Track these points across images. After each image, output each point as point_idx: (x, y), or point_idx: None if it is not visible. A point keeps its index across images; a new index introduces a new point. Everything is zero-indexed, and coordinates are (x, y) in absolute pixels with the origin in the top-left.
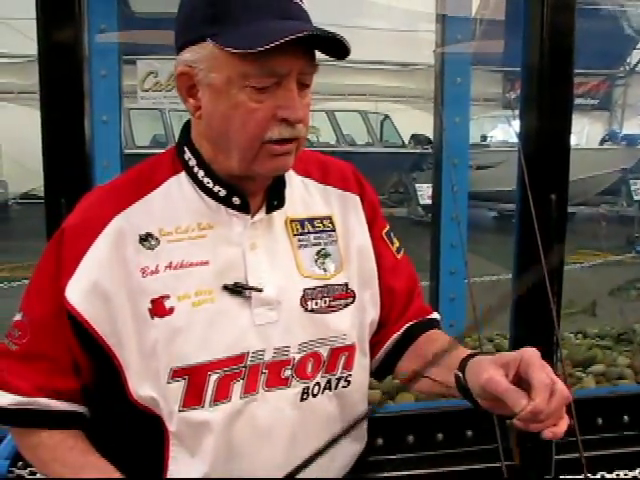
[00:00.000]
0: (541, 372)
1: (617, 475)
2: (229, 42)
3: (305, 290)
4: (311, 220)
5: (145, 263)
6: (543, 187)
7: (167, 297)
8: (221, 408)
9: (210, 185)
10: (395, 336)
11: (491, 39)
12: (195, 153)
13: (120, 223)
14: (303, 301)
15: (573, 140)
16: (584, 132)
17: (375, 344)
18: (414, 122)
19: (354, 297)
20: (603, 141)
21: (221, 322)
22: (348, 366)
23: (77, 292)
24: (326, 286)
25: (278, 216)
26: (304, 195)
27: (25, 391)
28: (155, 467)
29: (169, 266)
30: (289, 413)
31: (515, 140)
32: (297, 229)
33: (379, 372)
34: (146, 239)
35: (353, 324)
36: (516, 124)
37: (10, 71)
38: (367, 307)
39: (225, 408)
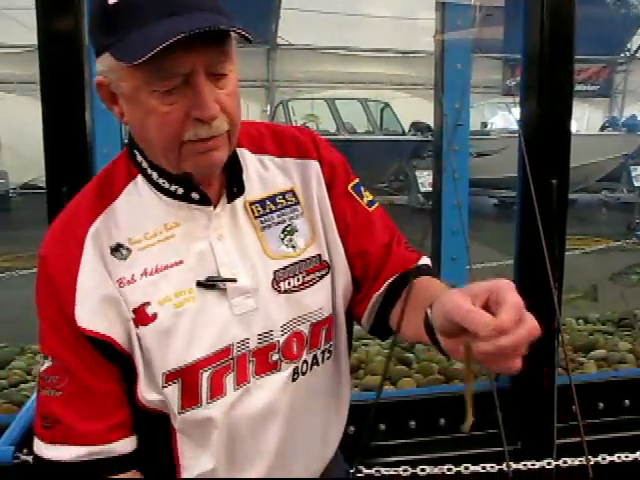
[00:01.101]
0: (515, 295)
1: (618, 457)
2: (121, 53)
3: (275, 272)
4: (272, 198)
5: (121, 274)
6: (544, 172)
7: (148, 304)
8: (219, 403)
9: (167, 185)
10: (376, 294)
11: (490, 25)
12: (145, 157)
13: (93, 238)
14: (275, 284)
15: (573, 126)
16: (585, 118)
17: (359, 303)
18: (414, 110)
19: (329, 267)
20: (603, 127)
21: (203, 319)
22: (329, 338)
23: (86, 315)
24: (297, 263)
25: (238, 202)
26: (262, 173)
27: (94, 439)
28: (167, 462)
29: (144, 273)
30: (283, 395)
31: (515, 127)
32: (258, 211)
33: (376, 331)
34: (117, 249)
35: (329, 295)
36: (516, 111)
37: (9, 61)
38: (338, 274)
39: (223, 403)
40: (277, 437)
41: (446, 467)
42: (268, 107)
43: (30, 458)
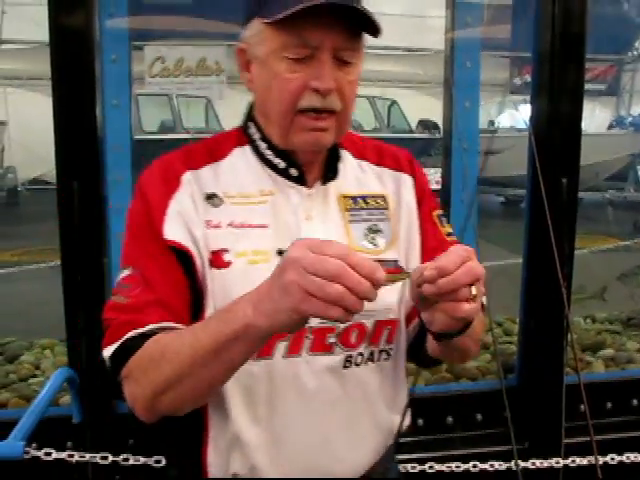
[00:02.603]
0: (463, 248)
1: (627, 458)
2: (266, 15)
3: None
4: (364, 197)
5: (209, 217)
6: (554, 171)
7: (226, 251)
8: (263, 363)
9: (271, 157)
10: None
11: (499, 24)
12: (259, 128)
13: (190, 178)
14: None
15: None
16: (592, 117)
17: (409, 319)
18: (421, 107)
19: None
20: (610, 126)
21: None
22: (390, 339)
23: (173, 229)
24: (375, 260)
25: (333, 191)
26: (359, 174)
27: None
28: (196, 428)
29: (230, 224)
30: (331, 378)
31: (522, 126)
32: (349, 205)
33: (413, 353)
34: (211, 197)
35: (398, 300)
36: (524, 110)
37: (19, 57)
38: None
39: (267, 364)
40: (316, 419)
41: (454, 465)
42: None
43: (40, 453)
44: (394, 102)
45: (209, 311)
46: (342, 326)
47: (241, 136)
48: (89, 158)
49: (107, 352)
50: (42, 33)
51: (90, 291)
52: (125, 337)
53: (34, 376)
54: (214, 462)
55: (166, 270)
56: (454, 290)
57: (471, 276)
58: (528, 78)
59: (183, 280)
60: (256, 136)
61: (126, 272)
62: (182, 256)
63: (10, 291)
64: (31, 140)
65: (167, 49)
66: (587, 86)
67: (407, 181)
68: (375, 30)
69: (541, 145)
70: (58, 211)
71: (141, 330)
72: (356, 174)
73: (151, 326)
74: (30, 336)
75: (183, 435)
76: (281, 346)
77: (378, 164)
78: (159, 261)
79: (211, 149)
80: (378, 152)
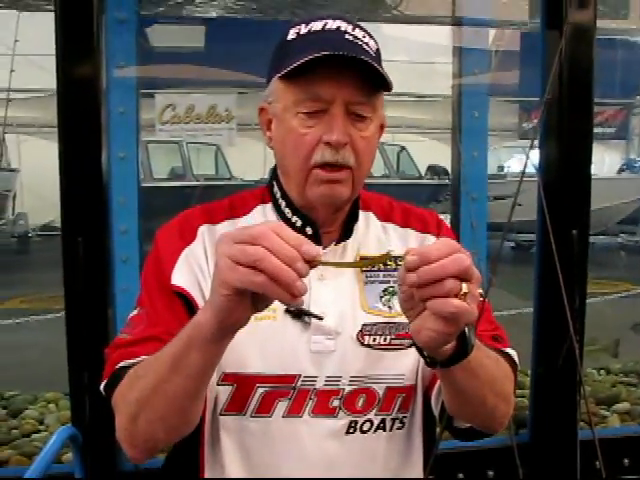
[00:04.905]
0: (448, 240)
1: None
2: (280, 70)
3: (364, 325)
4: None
5: None
6: (564, 222)
7: None
8: (261, 421)
9: (289, 215)
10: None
11: (507, 70)
12: (280, 186)
13: (205, 231)
14: (360, 335)
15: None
16: (601, 161)
17: (432, 383)
18: (430, 153)
19: None
20: (621, 170)
21: (279, 340)
22: (404, 407)
23: (181, 277)
24: (389, 323)
25: (350, 252)
26: (381, 236)
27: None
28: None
29: None
30: (331, 443)
31: (531, 170)
32: (368, 266)
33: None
34: None
35: (414, 366)
36: (533, 154)
37: (32, 106)
38: None
39: (266, 422)
40: None
41: None
42: None
43: None
44: (403, 148)
45: None
46: (347, 390)
47: (265, 194)
48: (94, 213)
49: (102, 385)
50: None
51: (94, 347)
52: (116, 367)
53: (37, 431)
54: None
55: (170, 311)
56: (438, 280)
57: (458, 265)
58: (537, 123)
59: (187, 322)
60: (278, 194)
61: (135, 312)
62: (187, 301)
63: (18, 340)
64: (42, 186)
65: (178, 97)
66: (596, 130)
67: (432, 241)
68: (386, 85)
69: (550, 195)
70: (63, 265)
71: (132, 361)
72: (378, 236)
73: (142, 357)
74: (37, 386)
75: None
76: (282, 406)
77: (404, 226)
78: (164, 302)
79: (233, 205)
80: (405, 214)
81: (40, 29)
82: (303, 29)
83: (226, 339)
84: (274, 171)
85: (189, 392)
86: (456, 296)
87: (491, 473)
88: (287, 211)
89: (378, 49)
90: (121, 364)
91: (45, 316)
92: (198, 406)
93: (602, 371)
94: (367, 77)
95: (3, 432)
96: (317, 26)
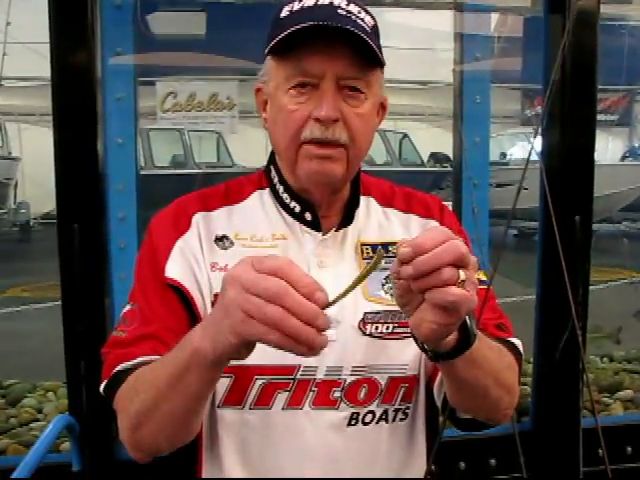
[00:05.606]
0: (442, 228)
1: None
2: (270, 47)
3: (365, 314)
4: (385, 245)
5: (216, 260)
6: (567, 208)
7: None
8: (260, 413)
9: (287, 201)
10: None
11: (509, 56)
12: (278, 171)
13: (200, 219)
14: (362, 324)
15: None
16: (604, 148)
17: (434, 374)
18: (433, 140)
19: None
20: (624, 157)
21: None
22: (407, 398)
23: (175, 268)
24: (391, 312)
25: (351, 238)
26: (382, 222)
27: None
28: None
29: None
30: (332, 435)
31: (535, 157)
32: (367, 253)
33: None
34: (221, 240)
35: (417, 356)
36: (536, 142)
37: (32, 94)
38: None
39: (265, 414)
40: (313, 475)
41: None
42: None
43: None
44: (405, 135)
45: None
46: (348, 381)
47: (263, 179)
48: (90, 200)
49: (101, 387)
50: None
51: (92, 337)
52: (114, 370)
53: (36, 420)
54: None
55: (164, 305)
56: (435, 270)
57: (453, 253)
58: (540, 109)
59: (183, 316)
60: (275, 179)
61: (128, 307)
62: (182, 294)
63: (19, 329)
64: (43, 175)
65: (179, 84)
66: (599, 117)
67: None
68: (377, 57)
69: (553, 182)
70: (59, 252)
71: (130, 363)
72: (380, 221)
73: (140, 359)
74: (37, 375)
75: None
76: (281, 397)
77: (406, 211)
78: (158, 297)
79: (230, 191)
80: (407, 199)
81: (39, 15)
82: (296, 6)
83: (226, 364)
84: (272, 155)
85: (189, 409)
86: (454, 284)
87: (493, 461)
88: (285, 196)
89: (375, 25)
90: (119, 367)
91: (46, 304)
92: (199, 418)
93: (605, 358)
94: (360, 52)
95: (1, 421)
96: (310, 2)
